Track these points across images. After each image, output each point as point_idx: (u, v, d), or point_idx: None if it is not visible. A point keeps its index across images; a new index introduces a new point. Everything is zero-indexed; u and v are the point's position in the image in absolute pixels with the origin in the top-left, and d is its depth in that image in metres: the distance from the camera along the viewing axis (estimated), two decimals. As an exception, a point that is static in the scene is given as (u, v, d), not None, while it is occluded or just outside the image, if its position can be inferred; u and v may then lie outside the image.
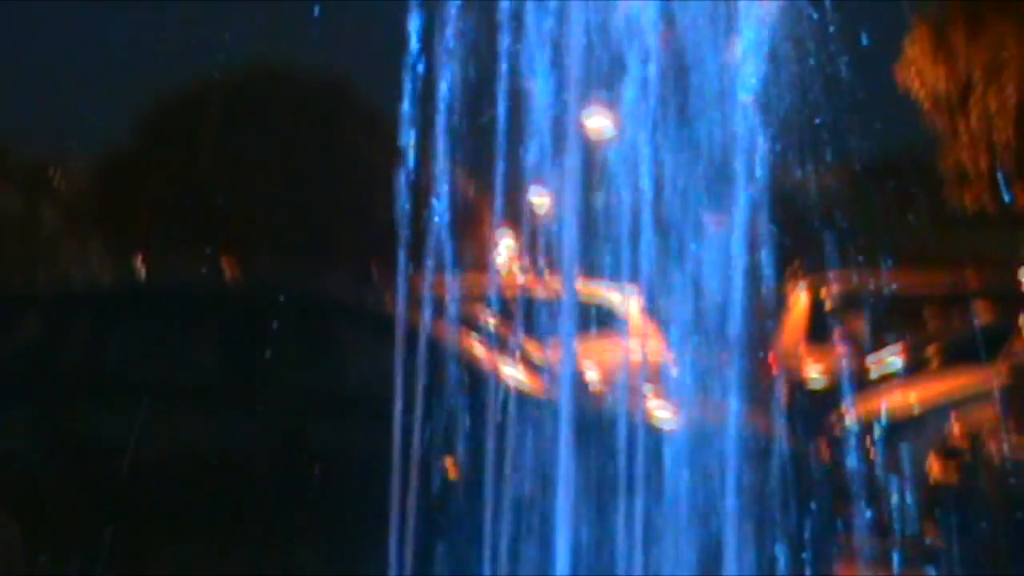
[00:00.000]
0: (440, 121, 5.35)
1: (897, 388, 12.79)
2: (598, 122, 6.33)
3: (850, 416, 11.12)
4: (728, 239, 4.51)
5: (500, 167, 5.04)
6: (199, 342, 11.32)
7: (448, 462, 5.51)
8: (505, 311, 5.68)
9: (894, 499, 9.28)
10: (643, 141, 5.41)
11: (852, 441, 9.93)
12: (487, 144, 5.32)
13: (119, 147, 44.55)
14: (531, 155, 4.91)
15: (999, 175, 27.32)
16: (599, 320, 5.62)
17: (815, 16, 6.06)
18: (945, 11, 30.07)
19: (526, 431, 4.72)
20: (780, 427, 4.54)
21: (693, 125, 5.14)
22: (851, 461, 8.60)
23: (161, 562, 9.53)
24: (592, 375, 6.46)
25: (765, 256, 4.49)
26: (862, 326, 14.97)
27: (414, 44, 5.44)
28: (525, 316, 5.01)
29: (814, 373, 14.68)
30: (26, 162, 45.27)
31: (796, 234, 5.09)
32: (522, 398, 4.95)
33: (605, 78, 5.67)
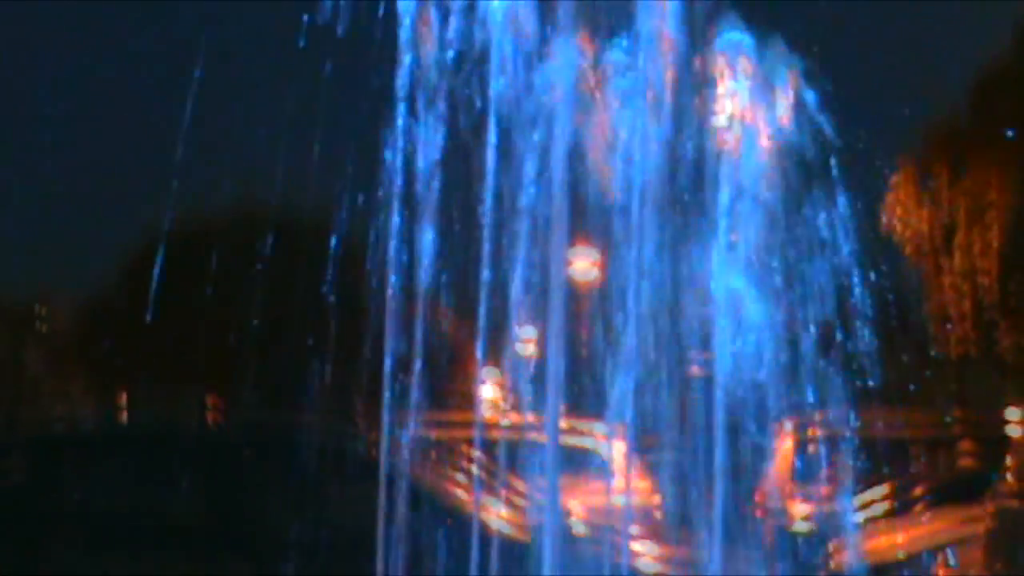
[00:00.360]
0: (423, 261, 5.39)
1: (883, 530, 12.65)
2: (583, 264, 6.39)
3: (836, 559, 10.95)
4: (711, 383, 4.53)
5: (484, 306, 5.06)
6: (182, 483, 11.29)
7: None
8: (489, 449, 5.65)
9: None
10: (630, 283, 5.46)
11: None
12: (472, 283, 5.35)
13: (103, 287, 44.85)
14: (516, 294, 4.93)
15: (982, 317, 27.66)
16: (583, 461, 5.58)
17: (802, 163, 6.17)
18: (927, 153, 30.33)
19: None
20: (767, 570, 4.48)
21: (679, 266, 5.19)
22: None
23: None
24: (576, 517, 6.39)
25: (750, 398, 4.49)
26: (848, 467, 14.74)
27: (396, 186, 5.52)
28: (509, 455, 4.97)
29: (800, 515, 14.46)
30: (10, 302, 45.35)
31: (781, 376, 5.12)
32: (504, 542, 4.88)
33: (591, 219, 5.72)
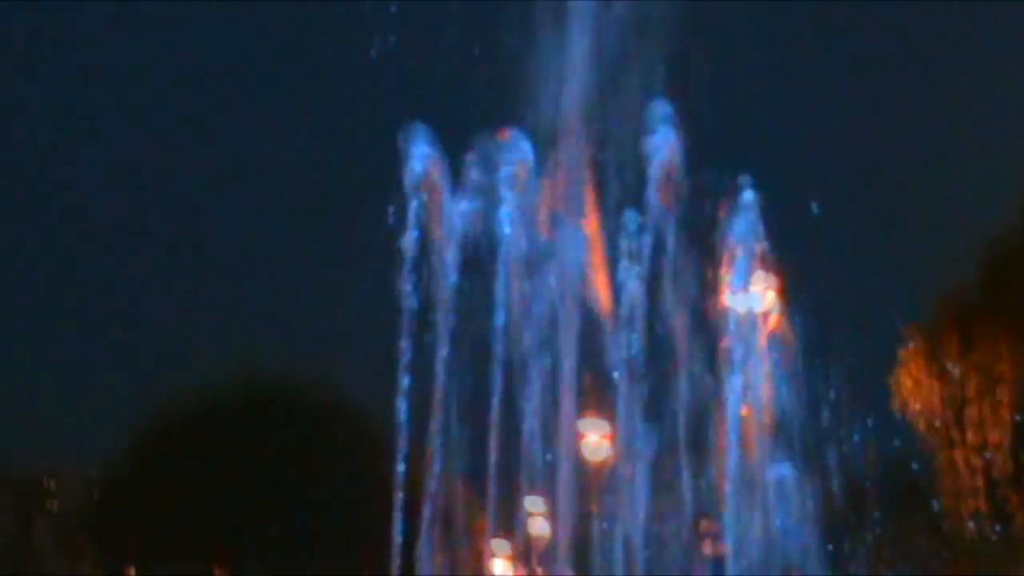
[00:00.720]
0: (435, 426, 5.47)
1: None
2: (593, 439, 6.45)
3: None
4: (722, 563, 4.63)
5: (494, 476, 5.13)
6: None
7: None
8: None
9: None
10: (639, 464, 5.58)
11: None
12: (482, 451, 5.43)
13: (112, 460, 44.66)
14: (525, 464, 5.03)
15: (995, 493, 27.56)
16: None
17: (809, 341, 6.27)
18: (937, 328, 30.25)
19: None
20: None
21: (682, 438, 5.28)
22: None
23: None
24: None
25: None
26: None
27: (405, 359, 5.63)
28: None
29: None
30: (20, 476, 45.20)
31: (803, 549, 5.18)
32: None
33: (600, 392, 5.80)
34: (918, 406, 29.17)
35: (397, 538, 5.61)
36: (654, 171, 9.17)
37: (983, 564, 27.42)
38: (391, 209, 8.81)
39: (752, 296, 8.57)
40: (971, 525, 29.34)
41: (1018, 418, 28.40)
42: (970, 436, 28.93)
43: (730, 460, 5.88)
